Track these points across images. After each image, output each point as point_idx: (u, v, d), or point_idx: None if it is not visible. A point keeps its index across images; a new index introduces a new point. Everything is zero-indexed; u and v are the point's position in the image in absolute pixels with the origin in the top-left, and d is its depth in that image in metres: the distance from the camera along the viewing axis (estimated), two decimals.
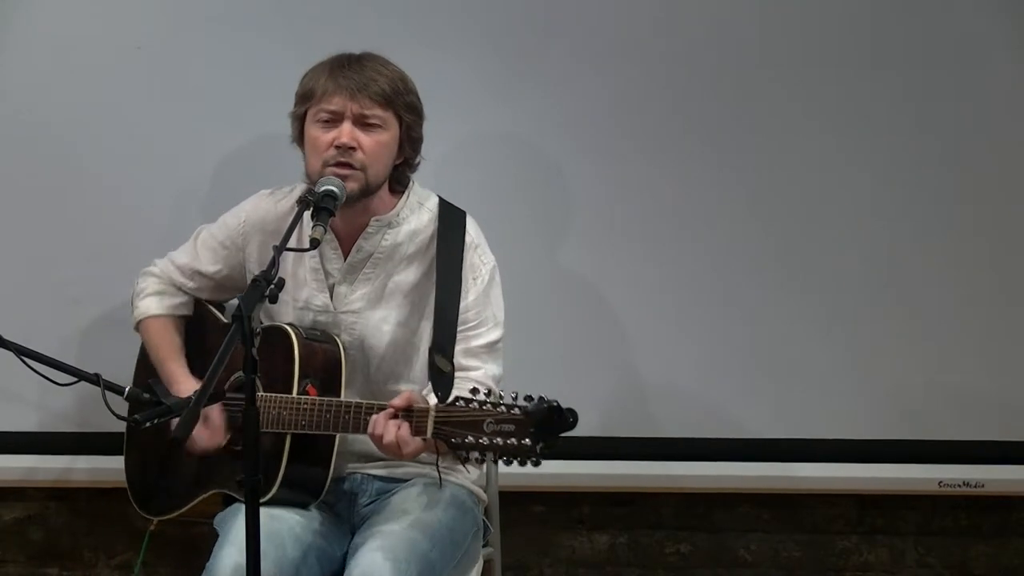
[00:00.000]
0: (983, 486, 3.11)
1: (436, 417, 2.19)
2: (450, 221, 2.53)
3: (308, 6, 3.04)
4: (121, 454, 2.73)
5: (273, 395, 2.36)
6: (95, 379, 2.29)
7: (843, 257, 3.11)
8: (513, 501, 2.98)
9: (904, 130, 3.08)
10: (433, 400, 2.26)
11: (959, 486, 3.11)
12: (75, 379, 2.30)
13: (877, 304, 3.12)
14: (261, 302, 2.09)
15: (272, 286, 2.10)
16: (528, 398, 2.13)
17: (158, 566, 3.29)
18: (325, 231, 2.28)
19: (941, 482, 3.12)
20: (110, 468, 2.76)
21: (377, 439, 2.26)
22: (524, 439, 2.10)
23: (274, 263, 2.14)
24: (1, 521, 3.30)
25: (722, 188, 3.10)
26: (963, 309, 3.12)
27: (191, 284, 2.64)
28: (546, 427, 2.10)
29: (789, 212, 3.11)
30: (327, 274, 2.52)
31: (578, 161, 3.09)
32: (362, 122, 2.41)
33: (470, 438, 2.14)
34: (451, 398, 2.20)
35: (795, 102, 3.08)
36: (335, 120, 2.41)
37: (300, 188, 2.55)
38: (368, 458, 2.50)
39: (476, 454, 2.14)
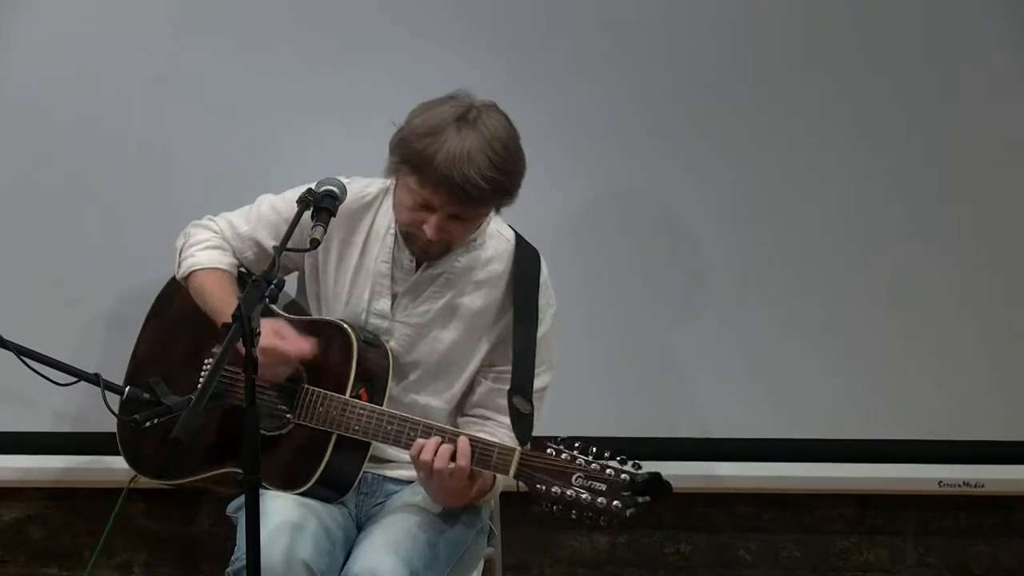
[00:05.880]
0: (983, 486, 3.12)
1: (521, 459, 2.19)
2: (526, 258, 2.51)
3: (310, 5, 3.03)
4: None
5: (325, 392, 2.36)
6: (95, 379, 2.29)
7: (843, 257, 3.11)
8: (513, 501, 2.97)
9: (903, 130, 3.08)
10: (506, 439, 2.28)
11: (959, 486, 3.11)
12: (75, 379, 2.30)
13: (877, 304, 3.12)
14: (261, 302, 2.09)
15: (272, 286, 2.10)
16: (623, 460, 2.12)
17: (158, 566, 3.29)
18: (325, 231, 2.27)
19: (941, 482, 3.12)
20: (110, 468, 2.76)
21: (425, 464, 2.25)
22: (614, 501, 2.10)
23: (274, 264, 2.14)
24: (1, 521, 3.29)
25: (723, 189, 3.10)
26: (962, 309, 3.12)
27: (247, 253, 2.56)
28: (640, 494, 2.09)
29: (790, 213, 3.11)
30: (394, 281, 2.50)
31: (576, 163, 3.09)
32: (455, 216, 2.35)
33: (556, 488, 2.14)
34: (542, 443, 2.19)
35: (797, 104, 3.08)
36: (430, 206, 2.33)
37: (377, 183, 2.52)
38: (383, 461, 2.51)
39: (559, 507, 2.14)
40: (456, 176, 2.25)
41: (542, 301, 2.50)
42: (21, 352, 2.29)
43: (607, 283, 3.12)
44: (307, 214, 2.32)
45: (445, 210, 2.32)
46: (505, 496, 2.78)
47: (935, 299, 3.12)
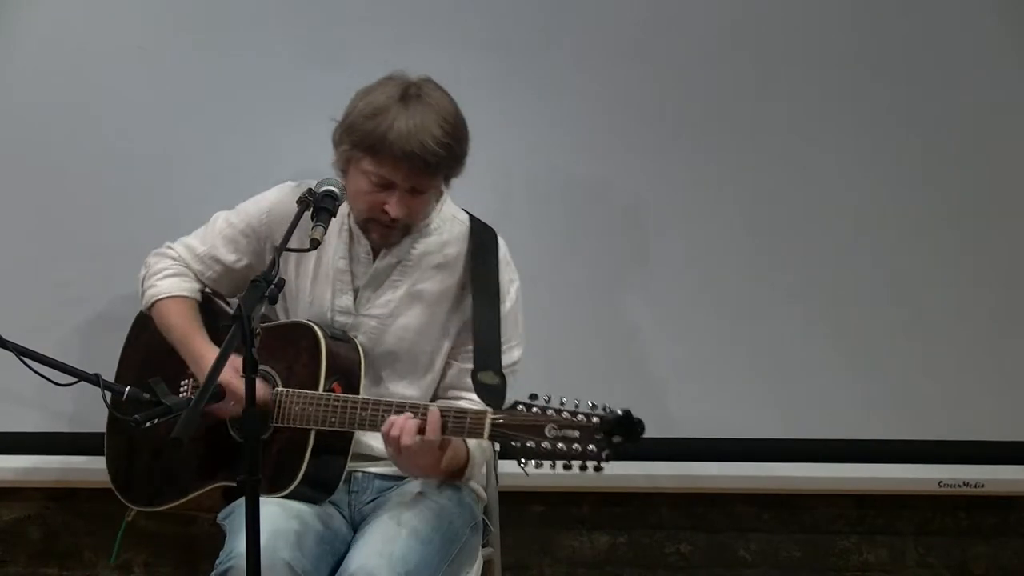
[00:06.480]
0: (983, 486, 3.11)
1: (493, 419, 2.18)
2: (483, 238, 2.53)
3: (309, 6, 3.04)
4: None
5: (298, 391, 2.36)
6: (95, 379, 2.29)
7: (843, 257, 3.12)
8: (513, 501, 2.98)
9: (904, 131, 3.08)
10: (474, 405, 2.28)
11: (959, 486, 3.11)
12: (75, 379, 2.31)
13: (877, 304, 3.12)
14: (261, 303, 2.09)
15: (272, 286, 2.10)
16: (593, 406, 2.12)
17: (158, 566, 3.29)
18: (325, 231, 2.28)
19: (941, 482, 3.12)
20: None
21: (393, 440, 2.26)
22: (589, 445, 2.10)
23: (274, 264, 2.14)
24: (1, 521, 3.30)
25: (722, 189, 3.10)
26: (963, 308, 3.12)
27: (208, 273, 2.60)
28: (614, 435, 2.09)
29: (790, 212, 3.11)
30: (353, 276, 2.52)
31: (575, 163, 3.09)
32: (413, 190, 2.39)
33: (531, 443, 2.13)
34: (510, 403, 2.19)
35: (795, 103, 3.08)
36: (387, 184, 2.37)
37: (327, 185, 2.53)
38: (370, 458, 2.51)
39: (537, 460, 2.13)
40: (414, 147, 2.31)
41: (505, 277, 2.52)
42: (21, 352, 2.29)
43: (606, 283, 3.12)
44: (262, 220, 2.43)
45: (405, 184, 2.36)
46: (505, 496, 2.78)
47: (935, 299, 3.12)
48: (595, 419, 2.11)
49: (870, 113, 3.07)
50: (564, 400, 2.14)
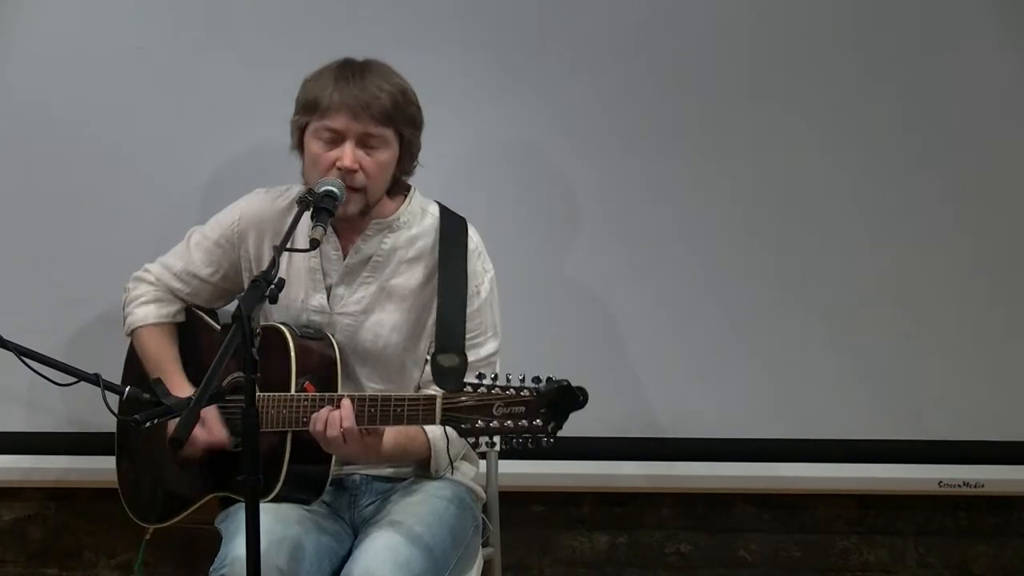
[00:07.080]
0: (983, 486, 3.11)
1: (444, 403, 2.18)
2: (452, 228, 2.53)
3: (308, 8, 3.04)
4: None
5: (271, 395, 2.35)
6: (95, 379, 2.29)
7: (843, 257, 3.11)
8: (513, 501, 2.98)
9: (903, 131, 3.08)
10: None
11: (959, 486, 3.11)
12: (75, 379, 2.30)
13: (877, 304, 3.12)
14: (261, 303, 2.09)
15: (272, 286, 2.10)
16: (536, 379, 2.12)
17: (158, 566, 3.29)
18: (325, 231, 2.28)
19: (941, 482, 3.12)
20: (110, 468, 2.76)
21: (318, 434, 2.27)
22: (535, 420, 2.10)
23: (274, 263, 2.14)
24: (1, 521, 3.30)
25: (721, 189, 3.10)
26: (963, 309, 3.12)
27: (187, 289, 2.63)
28: (557, 407, 2.10)
29: (789, 212, 3.11)
30: (325, 274, 2.52)
31: (576, 164, 3.09)
32: (364, 142, 2.41)
33: (480, 423, 2.13)
34: (464, 385, 2.18)
35: (794, 103, 3.08)
36: (337, 139, 2.40)
37: (296, 188, 2.55)
38: None
39: (486, 438, 2.13)
40: (355, 89, 2.38)
41: (476, 267, 2.52)
42: (21, 352, 2.29)
43: (606, 283, 3.12)
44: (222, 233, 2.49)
45: (353, 131, 2.38)
46: (505, 496, 2.78)
47: (935, 299, 3.12)
48: (535, 393, 2.11)
49: (870, 113, 3.07)
50: (510, 377, 2.14)
